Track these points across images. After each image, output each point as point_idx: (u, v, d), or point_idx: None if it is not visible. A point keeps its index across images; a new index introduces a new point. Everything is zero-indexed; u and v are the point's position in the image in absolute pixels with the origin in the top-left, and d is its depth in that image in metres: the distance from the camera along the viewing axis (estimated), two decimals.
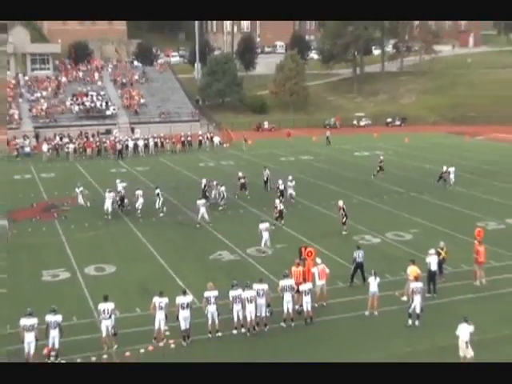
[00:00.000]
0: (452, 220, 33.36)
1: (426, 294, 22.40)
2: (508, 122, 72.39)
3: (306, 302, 20.58)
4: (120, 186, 37.01)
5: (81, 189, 38.23)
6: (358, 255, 23.76)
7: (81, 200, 37.72)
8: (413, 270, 21.75)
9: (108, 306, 19.12)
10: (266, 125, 76.83)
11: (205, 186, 37.34)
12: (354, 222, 32.90)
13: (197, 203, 33.27)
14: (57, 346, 18.37)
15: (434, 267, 23.20)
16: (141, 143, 60.60)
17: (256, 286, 20.38)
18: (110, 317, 19.04)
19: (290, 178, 38.53)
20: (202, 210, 32.87)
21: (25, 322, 18.10)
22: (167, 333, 19.67)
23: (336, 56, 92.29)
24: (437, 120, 78.94)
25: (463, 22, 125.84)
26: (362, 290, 22.65)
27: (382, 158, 46.57)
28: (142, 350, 18.94)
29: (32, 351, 17.98)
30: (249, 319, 20.00)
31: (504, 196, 38.95)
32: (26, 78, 79.41)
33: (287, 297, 20.40)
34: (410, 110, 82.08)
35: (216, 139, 63.45)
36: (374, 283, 21.41)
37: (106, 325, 18.97)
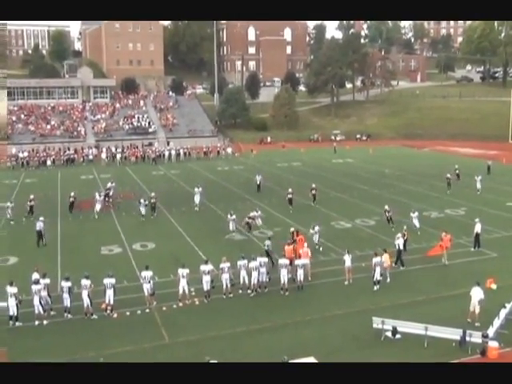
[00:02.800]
0: (402, 210, 33.13)
1: (394, 265, 22.25)
2: (447, 137, 72.30)
3: (299, 274, 20.27)
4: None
5: (113, 184, 37.76)
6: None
7: (111, 193, 36.15)
8: (387, 258, 21.20)
9: (148, 273, 19.04)
10: (268, 139, 76.57)
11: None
12: (330, 211, 32.76)
13: (194, 190, 34.32)
14: (112, 302, 18.32)
15: (401, 246, 22.96)
16: (173, 152, 60.57)
17: (259, 259, 20.30)
18: (149, 281, 18.95)
19: (414, 211, 28.66)
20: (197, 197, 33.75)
21: (83, 282, 18.09)
22: (193, 293, 19.60)
23: (318, 88, 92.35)
24: (393, 136, 78.51)
25: (413, 63, 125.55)
26: (338, 263, 22.51)
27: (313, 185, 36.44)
28: (174, 306, 18.90)
29: (89, 304, 17.95)
30: (253, 283, 19.87)
31: (442, 190, 38.68)
32: (90, 104, 79.22)
33: (283, 272, 20.05)
34: (374, 129, 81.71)
35: (229, 150, 63.29)
36: (348, 259, 21.20)
37: (147, 287, 18.91)
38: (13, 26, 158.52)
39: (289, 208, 33.32)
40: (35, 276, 18.75)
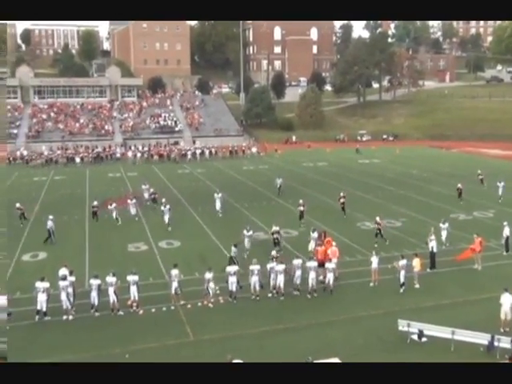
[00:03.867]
0: (430, 211, 32.68)
1: (429, 270, 21.95)
2: (476, 138, 70.98)
3: (329, 277, 19.88)
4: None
5: (147, 186, 36.33)
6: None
7: (146, 196, 35.47)
8: (418, 262, 20.73)
9: (175, 271, 19.15)
10: (294, 138, 76.45)
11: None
12: (355, 211, 32.49)
13: (214, 195, 32.94)
14: (137, 298, 18.51)
15: (434, 249, 22.43)
16: (198, 151, 61.02)
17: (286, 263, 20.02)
18: (175, 280, 19.05)
19: (444, 221, 26.02)
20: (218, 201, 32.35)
21: (108, 279, 18.31)
22: (218, 291, 19.63)
23: (345, 88, 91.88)
24: (420, 137, 77.47)
25: (441, 63, 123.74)
26: (364, 264, 22.34)
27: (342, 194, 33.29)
28: (199, 304, 18.99)
29: (115, 300, 18.17)
30: (279, 286, 19.59)
31: (473, 192, 38.02)
32: (118, 102, 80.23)
33: (312, 274, 19.66)
34: (400, 129, 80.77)
35: (253, 149, 63.34)
36: (375, 260, 20.98)
37: (174, 286, 19.01)
38: (43, 26, 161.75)
39: (299, 222, 29.80)
40: (63, 272, 19.05)
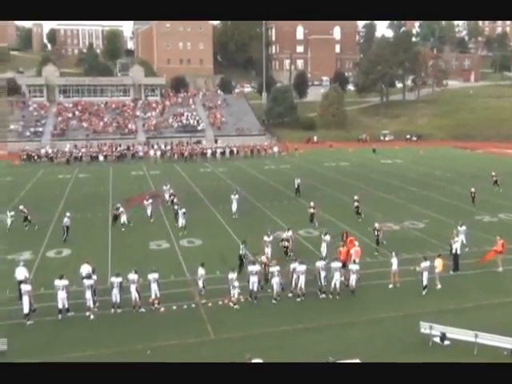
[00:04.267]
0: (454, 213, 32.22)
1: (452, 272, 21.66)
2: (501, 139, 69.80)
3: (352, 279, 19.63)
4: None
5: (168, 187, 35.41)
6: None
7: (167, 197, 34.45)
8: (440, 263, 20.56)
9: (202, 271, 19.18)
10: (315, 138, 76.23)
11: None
12: (376, 211, 32.22)
13: (231, 197, 31.80)
14: (158, 295, 18.63)
15: (458, 250, 22.14)
16: (219, 150, 61.26)
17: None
18: (201, 279, 19.08)
19: (461, 224, 25.45)
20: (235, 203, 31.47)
21: (130, 276, 18.45)
22: (239, 290, 19.62)
23: (368, 88, 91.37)
24: (444, 137, 76.51)
25: (466, 62, 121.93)
26: (386, 265, 22.14)
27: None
28: (220, 303, 19.04)
29: (137, 298, 18.30)
30: (300, 286, 19.43)
31: (497, 195, 37.39)
32: (141, 101, 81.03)
33: (336, 275, 19.45)
34: (424, 129, 79.88)
35: (275, 149, 63.26)
36: (395, 262, 20.77)
37: (201, 285, 19.07)
38: (69, 26, 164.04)
39: (310, 225, 29.25)
40: (85, 269, 19.28)
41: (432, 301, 19.27)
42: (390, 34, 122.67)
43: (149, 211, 31.07)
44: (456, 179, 44.22)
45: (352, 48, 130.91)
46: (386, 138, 77.90)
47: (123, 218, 29.13)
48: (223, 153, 61.19)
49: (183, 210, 28.40)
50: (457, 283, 21.02)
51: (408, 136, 77.93)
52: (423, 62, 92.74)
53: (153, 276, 18.55)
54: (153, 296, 18.56)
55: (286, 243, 23.61)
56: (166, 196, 34.40)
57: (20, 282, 18.63)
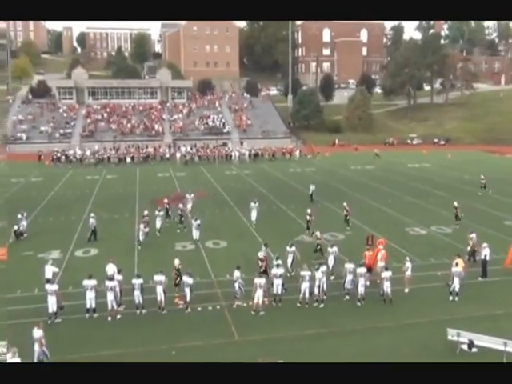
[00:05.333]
0: (483, 218, 31.68)
1: (480, 278, 21.31)
2: None
3: (387, 286, 19.19)
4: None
5: (192, 195, 33.35)
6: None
7: (189, 207, 32.37)
8: (461, 262, 20.28)
9: (238, 273, 19.09)
10: (337, 141, 75.72)
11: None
12: (404, 216, 31.90)
13: (251, 205, 30.46)
14: (188, 299, 18.64)
15: (487, 257, 21.69)
16: (244, 152, 61.42)
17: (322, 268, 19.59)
18: (237, 281, 19.03)
19: (472, 231, 25.03)
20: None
21: (156, 277, 18.60)
22: (262, 293, 19.59)
23: (395, 90, 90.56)
24: (474, 141, 75.28)
25: (496, 65, 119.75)
26: (412, 270, 21.82)
27: None
28: (244, 305, 19.08)
29: (163, 299, 18.43)
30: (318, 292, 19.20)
31: None
32: (168, 104, 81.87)
33: (361, 281, 19.21)
34: (453, 133, 78.73)
35: (297, 152, 62.89)
36: (409, 267, 20.33)
37: (237, 287, 18.94)
38: (98, 29, 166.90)
39: (306, 232, 28.17)
40: (111, 268, 19.54)
41: (460, 307, 18.96)
42: (418, 36, 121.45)
43: (158, 224, 28.97)
44: (486, 184, 43.37)
45: (379, 50, 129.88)
46: (414, 142, 77.03)
47: (158, 224, 28.17)
48: (249, 155, 61.41)
49: (198, 221, 26.56)
50: (486, 290, 20.65)
51: (436, 140, 76.96)
52: (452, 64, 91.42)
53: (187, 280, 18.52)
54: (188, 300, 18.54)
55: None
56: (189, 206, 32.34)
57: (48, 281, 19.03)
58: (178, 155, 59.70)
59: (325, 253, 23.04)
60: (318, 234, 24.52)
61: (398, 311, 18.81)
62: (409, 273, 20.32)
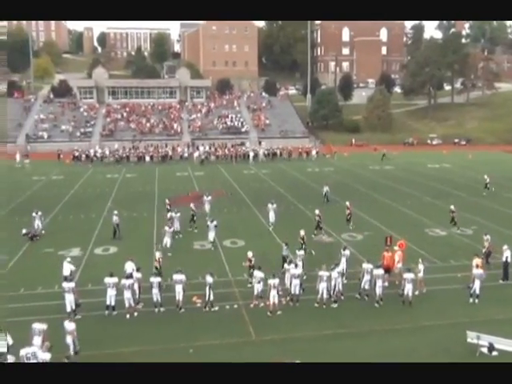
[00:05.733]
0: (503, 219, 31.19)
1: (501, 281, 21.04)
2: None
3: (408, 289, 18.94)
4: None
5: (209, 198, 32.69)
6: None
7: (207, 209, 32.13)
8: (478, 262, 20.09)
9: (260, 274, 18.99)
10: (353, 141, 75.20)
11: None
12: (423, 217, 31.59)
13: (268, 206, 29.97)
14: (211, 298, 18.59)
15: (509, 259, 21.36)
16: (264, 152, 61.41)
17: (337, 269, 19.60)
18: (259, 282, 18.94)
19: (486, 233, 24.50)
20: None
21: (175, 276, 18.68)
22: (280, 292, 19.59)
23: (415, 90, 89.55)
24: (495, 141, 74.18)
25: None
26: (432, 271, 21.61)
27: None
28: (261, 304, 19.08)
29: (181, 298, 18.52)
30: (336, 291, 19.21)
31: None
32: (187, 103, 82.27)
33: (379, 282, 19.08)
34: (474, 133, 77.68)
35: (313, 152, 62.49)
36: (421, 269, 20.08)
37: (257, 287, 18.89)
38: (118, 29, 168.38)
39: (314, 232, 27.77)
40: (129, 266, 19.69)
41: (480, 310, 18.72)
42: (438, 35, 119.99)
43: (168, 242, 27.80)
44: (506, 185, 42.79)
45: (399, 50, 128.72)
46: (434, 142, 76.22)
47: (176, 225, 27.86)
48: (268, 155, 61.41)
49: (214, 222, 26.02)
50: (507, 292, 20.35)
51: (457, 140, 76.02)
52: (473, 63, 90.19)
53: (209, 280, 18.52)
54: (206, 299, 18.60)
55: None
56: (207, 208, 32.14)
57: (65, 278, 19.32)
58: (196, 154, 59.95)
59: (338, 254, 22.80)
60: (302, 232, 24.11)
61: (416, 313, 18.65)
62: (421, 274, 20.09)
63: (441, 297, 19.99)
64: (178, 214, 28.36)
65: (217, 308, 18.72)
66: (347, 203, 30.62)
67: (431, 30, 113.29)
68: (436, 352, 15.77)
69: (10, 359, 13.30)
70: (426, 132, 79.32)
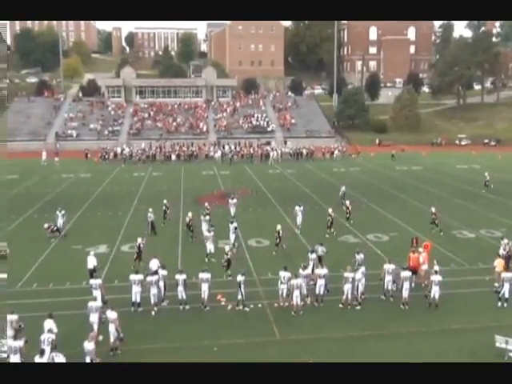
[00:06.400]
0: None
1: None
2: None
3: (435, 291, 18.60)
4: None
5: (234, 201, 32.25)
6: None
7: (232, 212, 31.72)
8: (499, 262, 19.96)
9: (286, 274, 18.76)
10: (377, 141, 74.39)
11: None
12: (451, 219, 31.07)
13: (295, 209, 29.36)
14: (244, 297, 18.53)
15: None
16: (279, 152, 61.13)
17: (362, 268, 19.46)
18: (286, 283, 18.67)
19: (503, 237, 24.15)
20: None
21: (201, 275, 18.77)
22: (304, 292, 19.51)
23: (443, 89, 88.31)
24: None
25: None
26: (459, 274, 21.24)
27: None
28: (286, 304, 18.99)
29: (206, 297, 18.56)
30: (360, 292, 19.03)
31: None
32: (213, 103, 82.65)
33: (406, 285, 18.74)
34: (504, 134, 76.08)
35: (336, 152, 61.73)
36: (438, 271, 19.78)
37: (282, 288, 18.74)
38: (146, 29, 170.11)
39: (326, 232, 27.82)
40: (154, 264, 19.85)
41: (509, 314, 18.31)
42: (468, 33, 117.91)
43: (232, 211, 31.02)
44: None
45: (427, 49, 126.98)
46: (463, 143, 74.94)
47: (204, 227, 27.11)
48: (293, 154, 61.25)
49: (234, 224, 25.74)
50: None
51: (486, 141, 74.59)
52: (504, 63, 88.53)
53: (241, 278, 18.46)
54: (239, 297, 18.54)
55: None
56: (232, 211, 31.55)
57: (90, 271, 19.55)
58: (218, 154, 59.99)
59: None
60: (278, 226, 24.62)
61: (443, 316, 18.34)
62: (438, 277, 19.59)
63: (469, 300, 19.63)
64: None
65: (247, 309, 18.61)
66: (347, 202, 31.01)
67: (460, 28, 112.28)
68: (463, 356, 15.48)
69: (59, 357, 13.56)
70: (455, 132, 78.07)
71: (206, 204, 30.45)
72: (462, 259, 23.58)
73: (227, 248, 22.10)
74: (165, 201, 31.13)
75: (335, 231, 27.97)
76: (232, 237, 25.58)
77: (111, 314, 15.72)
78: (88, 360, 13.90)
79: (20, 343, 13.91)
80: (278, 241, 24.51)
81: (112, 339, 15.43)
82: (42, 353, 13.38)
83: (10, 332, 15.18)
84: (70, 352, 14.06)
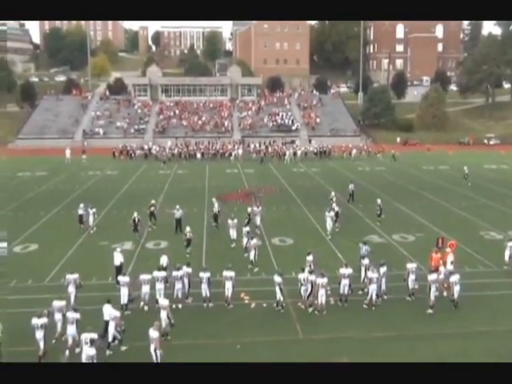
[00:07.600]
0: None
1: None
2: None
3: (456, 291, 18.29)
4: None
5: (260, 209, 29.53)
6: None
7: (258, 220, 28.75)
8: None
9: (304, 275, 18.71)
10: (398, 139, 73.56)
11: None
12: (479, 219, 30.54)
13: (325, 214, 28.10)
14: (282, 299, 18.39)
15: None
16: (298, 151, 60.83)
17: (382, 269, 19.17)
18: (305, 285, 18.60)
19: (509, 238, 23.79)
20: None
21: (225, 273, 18.72)
22: (329, 292, 19.41)
23: (472, 88, 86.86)
24: None
25: None
26: (486, 275, 20.86)
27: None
28: (308, 306, 18.93)
29: (230, 295, 18.59)
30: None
31: None
32: (238, 101, 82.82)
33: (433, 288, 18.37)
34: None
35: (354, 151, 60.93)
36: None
37: (304, 289, 18.66)
38: (172, 28, 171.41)
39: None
40: (164, 259, 20.12)
41: None
42: (497, 31, 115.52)
43: (258, 221, 28.84)
44: None
45: (455, 46, 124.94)
46: (491, 142, 73.54)
47: (230, 227, 26.43)
48: (317, 153, 60.97)
49: (247, 228, 25.16)
50: None
51: None
52: None
53: (278, 280, 18.33)
54: (277, 299, 18.37)
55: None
56: (258, 219, 28.66)
57: (116, 268, 19.85)
58: (240, 151, 59.92)
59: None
60: (258, 220, 25.93)
61: (469, 318, 18.05)
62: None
63: (496, 302, 19.27)
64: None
65: (264, 305, 18.68)
66: (378, 200, 30.72)
67: (490, 25, 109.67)
68: (490, 359, 15.20)
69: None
70: (483, 131, 76.67)
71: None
72: (489, 261, 23.15)
73: (188, 228, 24.41)
74: (153, 201, 30.75)
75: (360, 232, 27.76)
76: (244, 240, 24.80)
77: (163, 302, 16.54)
78: (152, 348, 14.33)
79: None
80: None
81: (164, 325, 16.05)
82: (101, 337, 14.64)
83: (71, 288, 17.96)
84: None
